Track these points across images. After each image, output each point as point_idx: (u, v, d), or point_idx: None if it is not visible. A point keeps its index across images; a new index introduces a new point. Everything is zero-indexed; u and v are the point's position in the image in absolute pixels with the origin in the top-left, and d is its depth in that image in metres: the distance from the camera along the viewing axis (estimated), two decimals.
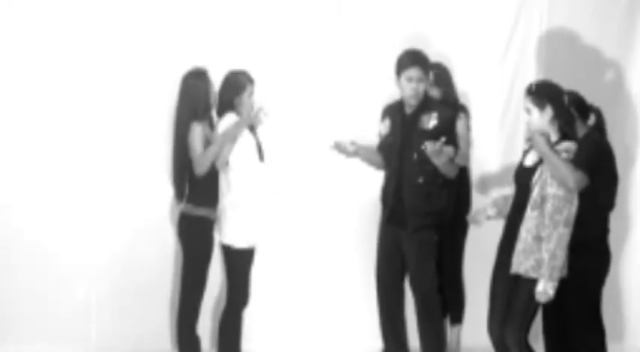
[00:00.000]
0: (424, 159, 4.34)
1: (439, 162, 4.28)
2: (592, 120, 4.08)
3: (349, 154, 4.59)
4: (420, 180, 4.41)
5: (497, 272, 4.08)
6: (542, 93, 3.84)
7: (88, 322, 4.92)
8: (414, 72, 4.36)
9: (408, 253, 4.49)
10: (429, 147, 4.24)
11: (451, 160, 4.36)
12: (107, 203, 4.89)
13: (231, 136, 4.24)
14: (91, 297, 4.91)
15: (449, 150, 4.31)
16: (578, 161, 3.76)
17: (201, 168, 4.24)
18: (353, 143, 4.58)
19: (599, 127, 4.11)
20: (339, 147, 4.58)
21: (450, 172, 4.43)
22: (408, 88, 4.39)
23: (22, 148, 4.83)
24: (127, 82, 4.86)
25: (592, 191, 3.83)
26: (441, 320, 4.63)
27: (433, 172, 4.38)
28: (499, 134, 5.15)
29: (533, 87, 3.87)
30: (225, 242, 4.32)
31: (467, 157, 4.56)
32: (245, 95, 4.31)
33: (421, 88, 4.39)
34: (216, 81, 4.40)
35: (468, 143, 4.60)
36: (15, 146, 4.82)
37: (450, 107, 4.52)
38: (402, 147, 4.45)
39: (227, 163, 4.29)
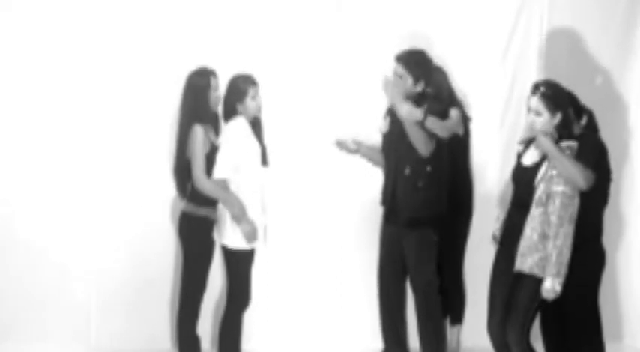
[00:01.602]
0: (411, 149, 4.37)
1: (402, 113, 4.27)
2: (584, 120, 4.09)
3: (351, 151, 4.62)
4: (407, 170, 4.42)
5: (497, 271, 4.10)
6: (558, 99, 3.86)
7: (88, 322, 4.91)
8: (395, 67, 4.43)
9: (408, 253, 4.50)
10: (386, 92, 4.35)
11: (422, 125, 4.30)
12: (107, 203, 4.88)
13: (229, 208, 4.24)
14: (91, 297, 4.90)
15: (408, 106, 4.30)
16: (584, 160, 3.80)
17: (199, 186, 4.24)
18: (355, 141, 4.60)
19: (593, 128, 4.12)
20: (341, 145, 4.61)
21: (421, 141, 4.34)
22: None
23: (23, 148, 4.82)
24: (128, 82, 4.84)
25: (589, 189, 3.85)
26: (441, 320, 4.64)
27: (418, 161, 4.39)
28: (499, 134, 5.15)
29: (548, 90, 3.87)
30: (222, 242, 4.32)
31: (450, 126, 4.46)
32: (247, 99, 4.29)
33: (400, 84, 4.39)
34: (219, 79, 4.39)
35: (456, 121, 4.50)
36: (16, 146, 4.81)
37: (441, 102, 4.51)
38: (398, 146, 4.46)
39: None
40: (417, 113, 4.31)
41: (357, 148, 4.63)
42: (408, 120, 4.32)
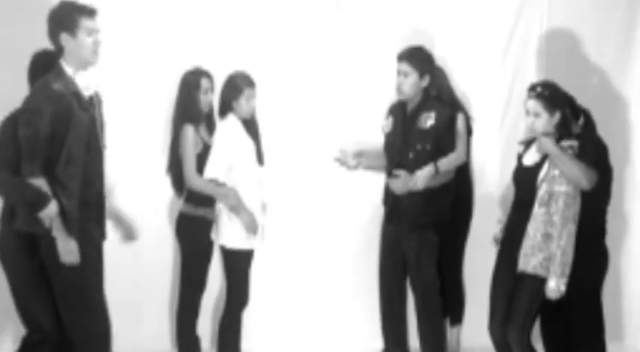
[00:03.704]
0: (420, 159, 4.38)
1: (420, 187, 4.33)
2: (581, 120, 4.10)
3: (350, 168, 4.65)
4: None
5: (498, 271, 4.10)
6: (555, 99, 3.87)
7: None
8: (398, 66, 4.41)
9: (408, 253, 4.50)
10: (397, 191, 4.39)
11: (437, 172, 4.37)
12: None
13: (225, 200, 4.25)
14: None
15: (420, 175, 4.34)
16: (587, 159, 3.81)
17: (191, 185, 4.27)
18: (358, 154, 4.63)
19: (591, 127, 4.12)
20: (341, 159, 4.64)
21: (444, 179, 4.44)
22: (396, 82, 4.42)
23: None
24: (125, 81, 4.83)
25: (592, 188, 3.85)
26: (442, 320, 4.64)
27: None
28: (499, 134, 5.15)
29: (545, 91, 3.87)
30: (221, 242, 4.32)
31: (462, 156, 4.53)
32: (242, 98, 4.28)
33: (406, 83, 4.39)
34: (217, 80, 4.39)
35: (465, 141, 4.56)
36: None
37: (448, 106, 4.52)
38: (402, 146, 4.46)
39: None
40: (424, 175, 4.34)
41: (357, 164, 4.66)
42: (431, 182, 4.37)
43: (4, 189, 3.74)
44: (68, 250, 3.66)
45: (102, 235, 3.95)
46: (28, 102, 3.61)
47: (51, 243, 3.65)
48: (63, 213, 3.61)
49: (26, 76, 3.95)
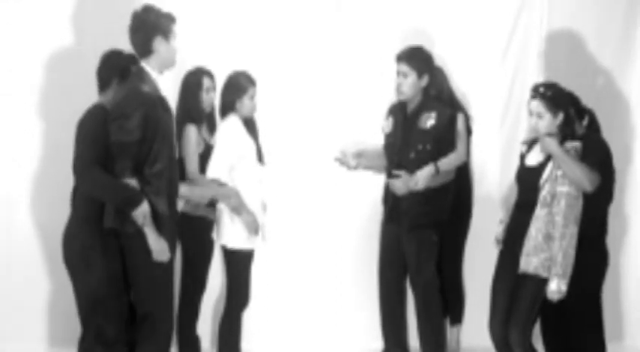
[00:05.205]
0: (421, 158, 4.39)
1: (421, 187, 4.35)
2: (586, 120, 4.10)
3: (350, 168, 4.65)
4: None
5: (500, 271, 4.09)
6: (558, 99, 3.87)
7: None
8: (397, 66, 4.42)
9: (408, 252, 4.50)
10: (398, 191, 4.40)
11: (437, 172, 4.38)
12: None
13: (227, 201, 4.25)
14: None
15: (420, 175, 4.35)
16: (589, 161, 3.81)
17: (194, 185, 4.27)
18: (358, 154, 4.64)
19: (595, 128, 4.12)
20: (341, 159, 4.64)
21: (445, 179, 4.45)
22: (395, 83, 4.43)
23: (23, 145, 4.81)
24: None
25: (594, 190, 3.86)
26: (442, 320, 4.63)
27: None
28: (499, 134, 5.15)
29: (548, 91, 3.87)
30: (222, 242, 4.33)
31: (462, 156, 4.54)
32: (246, 97, 4.30)
33: (405, 83, 4.40)
34: (218, 80, 4.40)
35: (465, 141, 4.57)
36: (16, 144, 4.80)
37: (448, 106, 4.52)
38: (402, 146, 4.47)
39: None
40: (424, 175, 4.35)
41: (357, 164, 4.66)
42: (431, 182, 4.39)
43: (99, 187, 3.72)
44: (159, 249, 3.73)
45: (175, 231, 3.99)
46: (121, 107, 3.66)
47: (136, 242, 3.70)
48: (154, 212, 3.69)
49: (96, 75, 4.02)
